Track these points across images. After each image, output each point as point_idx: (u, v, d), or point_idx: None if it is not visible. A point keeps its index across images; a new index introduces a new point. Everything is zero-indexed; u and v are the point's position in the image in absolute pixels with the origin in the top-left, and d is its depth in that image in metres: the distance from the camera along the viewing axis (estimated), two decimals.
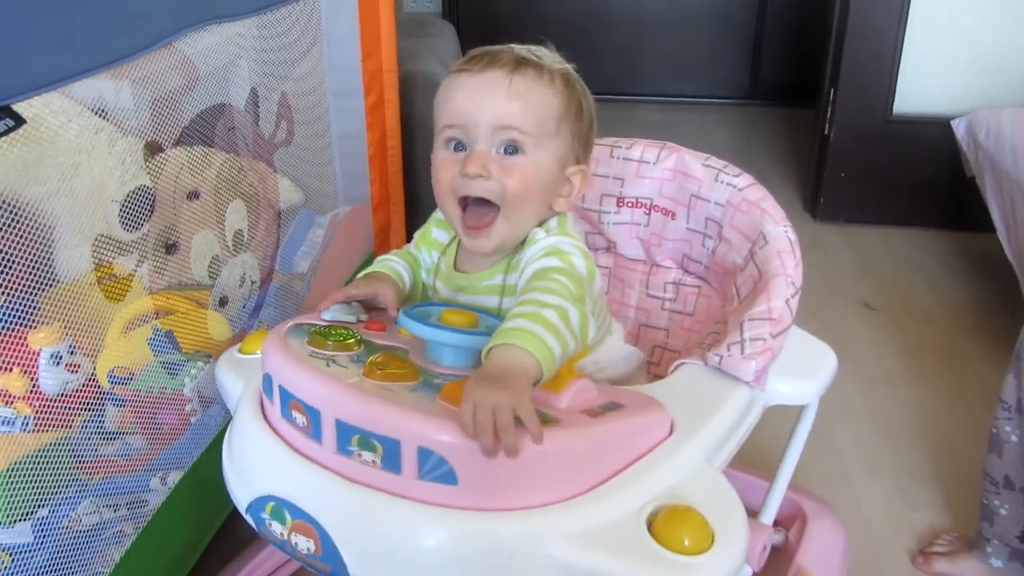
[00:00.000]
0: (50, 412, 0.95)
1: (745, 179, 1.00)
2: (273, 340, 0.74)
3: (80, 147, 1.08)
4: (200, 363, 1.10)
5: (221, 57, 1.17)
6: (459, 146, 0.82)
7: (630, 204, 1.07)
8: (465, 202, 0.83)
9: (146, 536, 0.94)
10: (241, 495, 0.71)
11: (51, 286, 0.96)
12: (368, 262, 1.63)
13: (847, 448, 1.54)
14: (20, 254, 0.93)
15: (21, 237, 0.90)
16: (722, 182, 1.00)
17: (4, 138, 0.79)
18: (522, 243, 0.85)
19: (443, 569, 0.63)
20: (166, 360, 1.08)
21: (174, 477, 1.00)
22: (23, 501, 0.87)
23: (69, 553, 0.87)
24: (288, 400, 0.69)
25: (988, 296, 2.07)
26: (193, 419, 1.07)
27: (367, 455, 0.64)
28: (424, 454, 0.62)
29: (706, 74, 3.68)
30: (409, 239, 1.85)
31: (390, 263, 0.92)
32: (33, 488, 0.88)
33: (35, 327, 0.95)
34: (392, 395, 0.66)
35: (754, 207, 0.96)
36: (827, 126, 2.57)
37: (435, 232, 0.94)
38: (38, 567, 0.84)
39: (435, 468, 0.62)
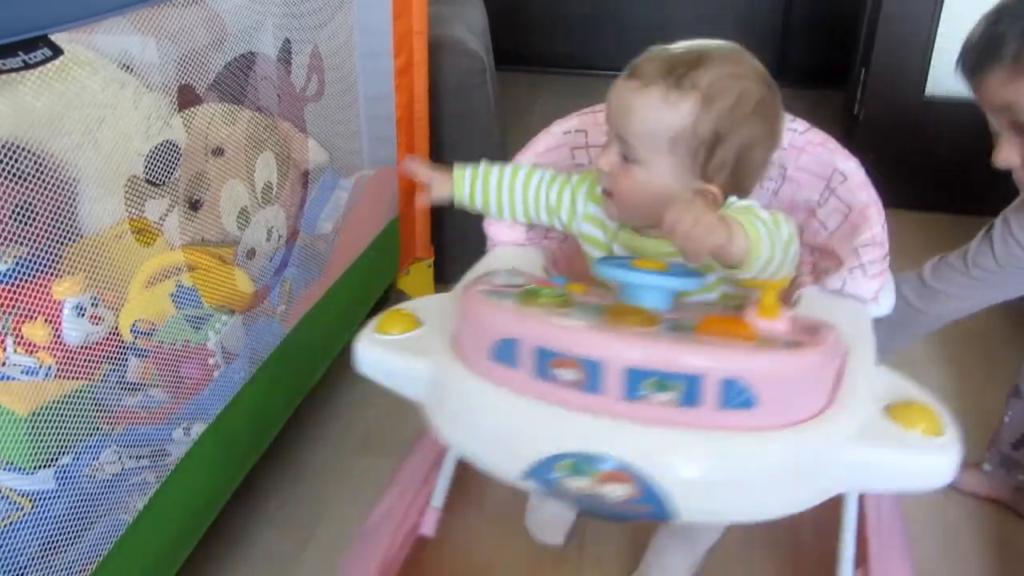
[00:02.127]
0: (72, 363, 0.94)
1: (802, 124, 1.02)
2: (497, 307, 0.75)
3: (105, 101, 1.07)
4: (224, 317, 1.09)
5: (250, 15, 1.16)
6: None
7: None
8: None
9: (169, 486, 0.94)
10: (512, 465, 0.70)
11: (75, 239, 0.95)
12: (393, 225, 1.61)
13: None
14: (44, 204, 0.92)
15: (46, 188, 0.89)
16: None
17: (36, 73, 0.77)
18: None
19: (763, 486, 0.69)
20: (190, 313, 1.07)
21: (197, 429, 0.99)
22: (45, 448, 0.87)
23: (91, 500, 0.86)
24: (548, 359, 0.69)
25: None
26: (216, 373, 1.06)
27: (660, 396, 0.67)
28: (728, 385, 0.66)
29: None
30: (433, 204, 1.82)
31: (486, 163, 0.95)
32: (55, 436, 0.88)
33: (59, 278, 0.95)
34: (667, 337, 0.70)
35: (819, 147, 1.01)
36: (857, 107, 2.53)
37: (592, 209, 0.95)
38: (60, 513, 0.84)
39: (737, 396, 0.67)
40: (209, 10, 1.13)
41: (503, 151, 2.06)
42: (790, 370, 0.69)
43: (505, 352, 0.71)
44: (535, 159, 1.06)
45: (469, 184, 1.00)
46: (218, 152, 1.16)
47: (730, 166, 0.85)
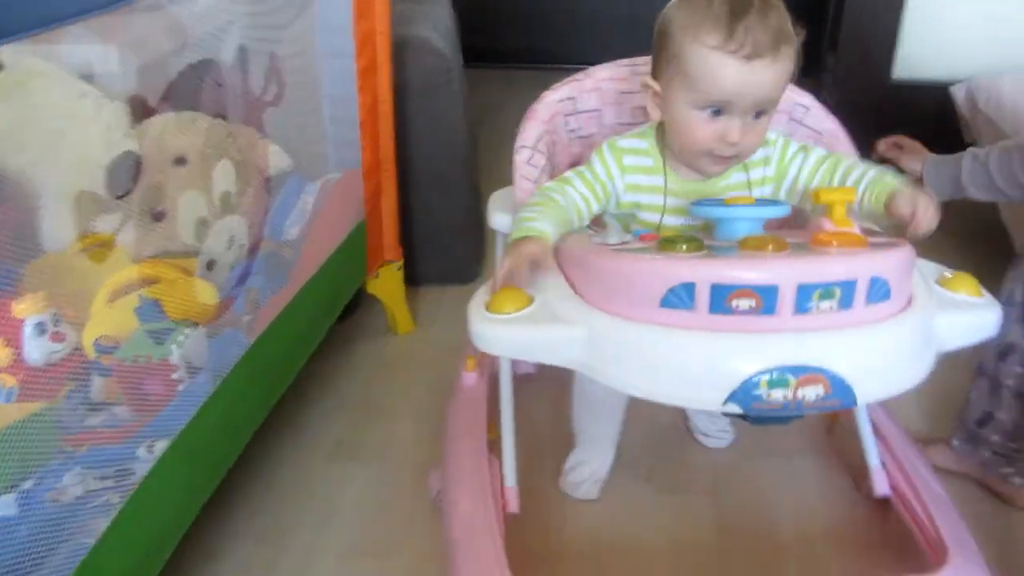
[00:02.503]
0: (35, 383, 0.93)
1: None
2: (664, 259, 0.84)
3: (65, 112, 1.05)
4: (187, 330, 1.08)
5: (213, 21, 1.14)
6: (717, 112, 0.95)
7: None
8: None
9: (133, 505, 0.92)
10: (714, 394, 0.79)
11: (36, 255, 0.93)
12: (359, 228, 1.60)
13: None
14: (3, 221, 0.90)
15: (4, 204, 0.88)
16: None
17: None
18: None
19: (911, 357, 0.86)
20: (152, 328, 1.06)
21: (161, 446, 0.98)
22: (6, 473, 0.86)
23: (54, 525, 0.85)
24: (726, 295, 0.79)
25: (983, 260, 2.05)
26: (180, 387, 1.05)
27: (825, 303, 0.79)
28: (874, 283, 0.80)
29: None
30: (401, 206, 1.81)
31: (540, 227, 0.97)
32: (17, 460, 0.86)
33: (19, 296, 0.93)
34: (809, 254, 0.84)
35: None
36: (826, 92, 2.54)
37: (630, 160, 1.05)
38: (22, 540, 0.83)
39: (879, 291, 0.81)
40: (171, 17, 1.11)
41: (472, 150, 2.05)
42: (906, 262, 0.86)
43: (679, 296, 0.80)
44: (542, 127, 1.17)
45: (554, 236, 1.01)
46: (180, 161, 1.15)
47: None
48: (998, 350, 1.26)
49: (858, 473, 1.34)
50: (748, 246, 0.85)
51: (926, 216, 0.92)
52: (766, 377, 0.77)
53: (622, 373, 0.85)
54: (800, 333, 0.79)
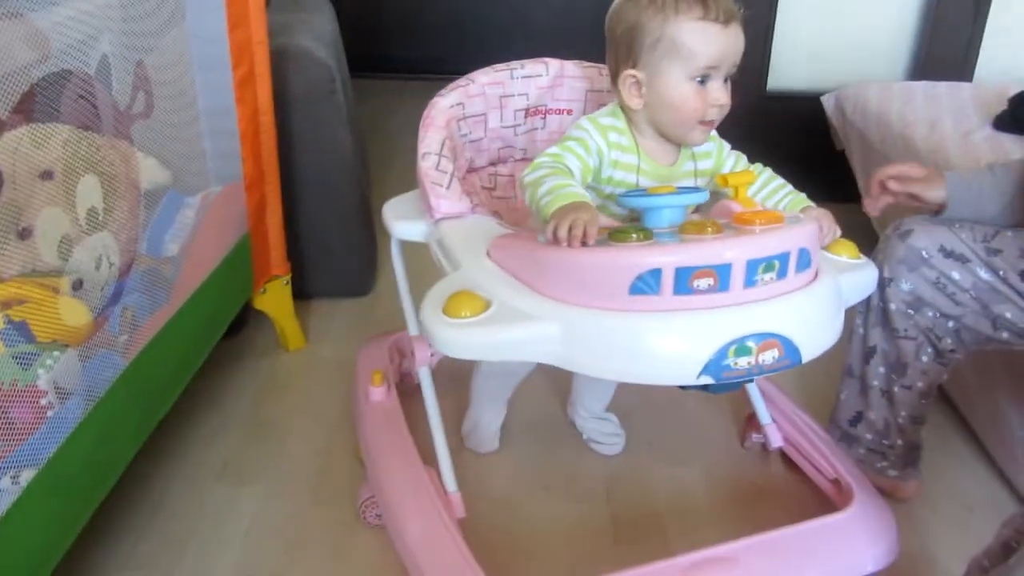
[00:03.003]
0: None
1: None
2: (627, 249, 0.89)
3: None
4: (56, 352, 1.03)
5: (78, 30, 1.09)
6: (702, 81, 1.05)
7: (534, 113, 1.35)
8: None
9: None
10: (689, 368, 0.87)
11: None
12: (243, 243, 1.56)
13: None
14: None
15: None
16: (604, 75, 1.28)
17: None
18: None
19: (834, 316, 0.97)
20: (18, 351, 1.00)
21: (27, 475, 0.93)
22: None
23: None
24: (688, 276, 0.86)
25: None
26: (50, 412, 0.99)
27: (767, 276, 0.88)
28: (802, 253, 0.91)
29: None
30: (287, 217, 1.78)
31: (580, 192, 1.01)
32: None
33: None
34: (741, 232, 0.91)
35: None
36: None
37: (614, 137, 1.11)
38: None
39: (804, 260, 0.92)
40: (32, 26, 1.06)
41: (361, 160, 2.03)
42: (817, 233, 0.98)
43: (646, 283, 0.87)
44: (443, 132, 1.21)
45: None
46: (46, 176, 1.09)
47: None
48: (863, 353, 1.32)
49: (744, 430, 1.49)
50: (689, 231, 0.92)
51: (831, 230, 1.11)
52: (734, 347, 0.86)
53: (600, 361, 0.90)
54: (752, 304, 0.88)
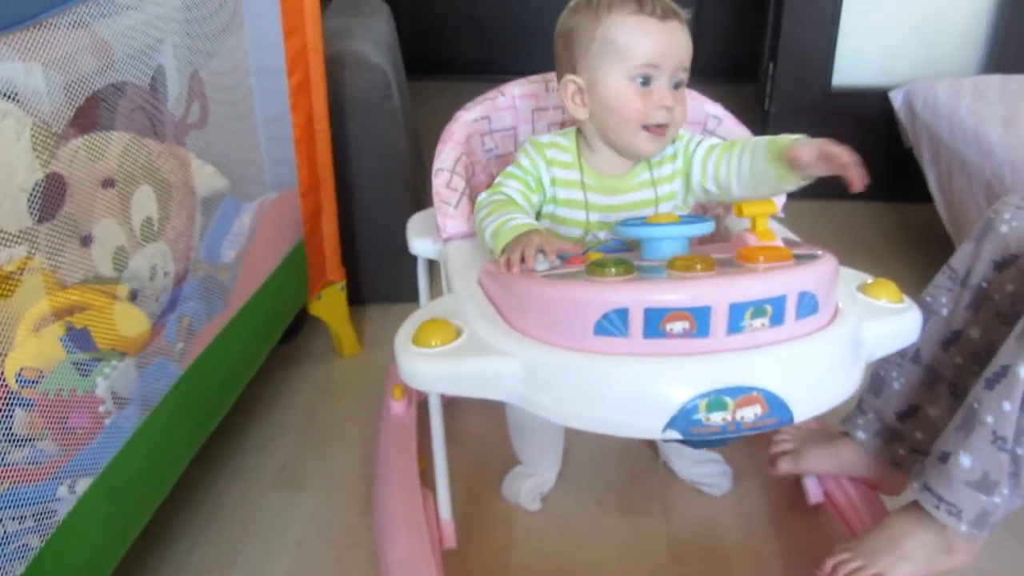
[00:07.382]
0: None
1: None
2: (593, 284, 0.80)
3: None
4: (114, 361, 1.04)
5: (140, 39, 1.10)
6: (645, 82, 0.99)
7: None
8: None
9: (52, 548, 0.88)
10: (653, 421, 0.77)
11: None
12: (298, 249, 1.57)
13: None
14: None
15: None
16: None
17: None
18: None
19: (843, 370, 0.85)
20: (77, 359, 1.02)
21: (83, 484, 0.94)
22: None
23: None
24: (660, 318, 0.77)
25: (927, 265, 2.07)
26: (107, 421, 1.00)
27: (757, 321, 0.78)
28: (802, 297, 0.79)
29: None
30: (343, 223, 1.78)
31: (526, 220, 0.99)
32: None
33: None
34: (737, 272, 0.81)
35: (688, 99, 1.08)
36: (767, 101, 2.57)
37: (552, 153, 1.07)
38: None
39: (808, 305, 0.80)
40: (96, 35, 1.07)
41: (416, 165, 2.02)
42: (831, 274, 0.85)
43: (612, 323, 0.78)
44: (459, 149, 1.16)
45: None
46: (108, 184, 1.11)
47: None
48: (943, 338, 1.17)
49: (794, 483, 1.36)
50: (676, 267, 0.83)
51: (839, 152, 0.87)
52: (704, 401, 0.76)
53: (558, 404, 0.81)
54: (734, 353, 0.77)
